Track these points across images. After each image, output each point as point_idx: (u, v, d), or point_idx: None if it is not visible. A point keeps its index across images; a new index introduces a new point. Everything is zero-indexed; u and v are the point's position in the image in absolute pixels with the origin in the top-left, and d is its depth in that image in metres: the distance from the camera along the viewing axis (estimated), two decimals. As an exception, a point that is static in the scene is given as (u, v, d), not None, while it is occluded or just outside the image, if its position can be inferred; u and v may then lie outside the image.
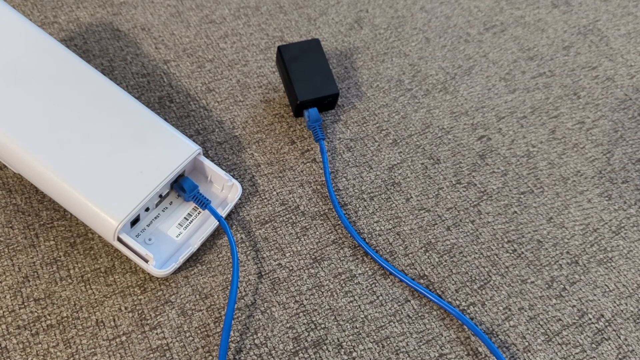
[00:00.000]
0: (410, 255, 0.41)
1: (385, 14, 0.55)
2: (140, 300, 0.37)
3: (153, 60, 0.49)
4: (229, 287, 0.38)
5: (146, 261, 0.37)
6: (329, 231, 0.42)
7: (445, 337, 0.38)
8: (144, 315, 0.37)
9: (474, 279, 0.41)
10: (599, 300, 0.41)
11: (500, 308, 0.40)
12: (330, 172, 0.44)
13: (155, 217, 0.40)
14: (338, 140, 0.46)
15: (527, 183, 0.46)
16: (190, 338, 0.36)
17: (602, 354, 0.39)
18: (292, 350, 0.37)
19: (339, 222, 0.42)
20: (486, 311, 0.40)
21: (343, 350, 0.37)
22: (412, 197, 0.44)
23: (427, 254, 0.42)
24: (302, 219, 0.42)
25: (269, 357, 0.36)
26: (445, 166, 0.46)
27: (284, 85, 0.47)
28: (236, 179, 0.43)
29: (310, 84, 0.45)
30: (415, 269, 0.41)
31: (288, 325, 0.38)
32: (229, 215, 0.41)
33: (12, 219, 0.40)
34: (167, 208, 0.40)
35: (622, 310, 0.41)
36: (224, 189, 0.42)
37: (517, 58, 0.54)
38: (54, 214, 0.40)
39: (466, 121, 0.49)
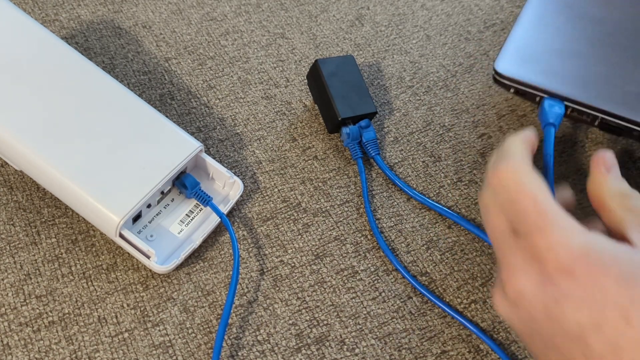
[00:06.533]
0: (412, 252, 0.41)
1: (387, 11, 0.55)
2: (142, 297, 0.37)
3: (154, 58, 0.49)
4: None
5: (148, 257, 0.37)
6: (331, 228, 0.42)
7: (447, 334, 0.38)
8: (146, 312, 0.37)
9: (475, 276, 0.41)
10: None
11: (502, 305, 0.40)
12: (367, 191, 0.43)
13: (157, 214, 0.40)
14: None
15: (528, 180, 0.46)
16: (193, 335, 0.36)
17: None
18: (295, 347, 0.37)
19: (341, 219, 0.42)
20: (488, 308, 0.40)
21: (346, 346, 0.37)
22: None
23: (429, 251, 0.42)
24: (303, 215, 0.42)
25: (272, 353, 0.36)
26: (446, 164, 0.46)
27: (316, 99, 0.46)
28: (238, 176, 0.43)
29: (349, 101, 0.44)
30: (417, 266, 0.41)
31: (290, 321, 0.38)
32: (230, 212, 0.41)
33: (14, 216, 0.39)
34: (168, 205, 0.40)
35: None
36: (226, 186, 0.42)
37: (518, 56, 0.54)
38: (55, 211, 0.40)
39: (467, 119, 0.49)
